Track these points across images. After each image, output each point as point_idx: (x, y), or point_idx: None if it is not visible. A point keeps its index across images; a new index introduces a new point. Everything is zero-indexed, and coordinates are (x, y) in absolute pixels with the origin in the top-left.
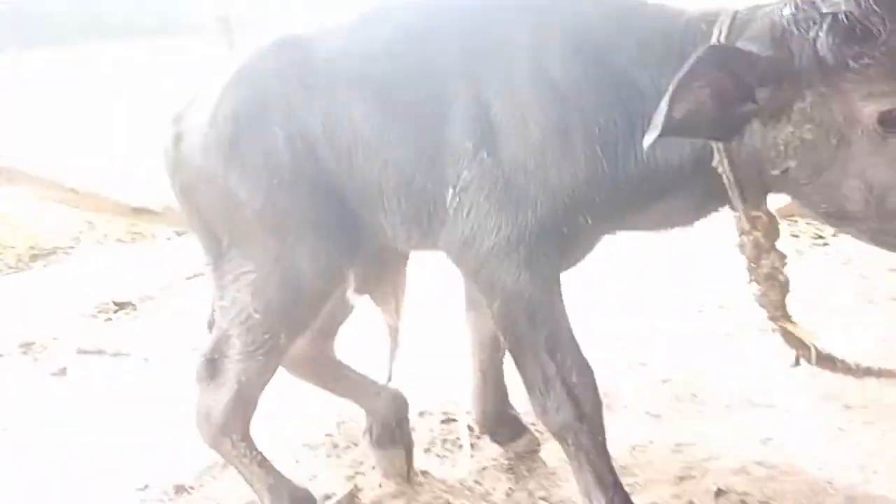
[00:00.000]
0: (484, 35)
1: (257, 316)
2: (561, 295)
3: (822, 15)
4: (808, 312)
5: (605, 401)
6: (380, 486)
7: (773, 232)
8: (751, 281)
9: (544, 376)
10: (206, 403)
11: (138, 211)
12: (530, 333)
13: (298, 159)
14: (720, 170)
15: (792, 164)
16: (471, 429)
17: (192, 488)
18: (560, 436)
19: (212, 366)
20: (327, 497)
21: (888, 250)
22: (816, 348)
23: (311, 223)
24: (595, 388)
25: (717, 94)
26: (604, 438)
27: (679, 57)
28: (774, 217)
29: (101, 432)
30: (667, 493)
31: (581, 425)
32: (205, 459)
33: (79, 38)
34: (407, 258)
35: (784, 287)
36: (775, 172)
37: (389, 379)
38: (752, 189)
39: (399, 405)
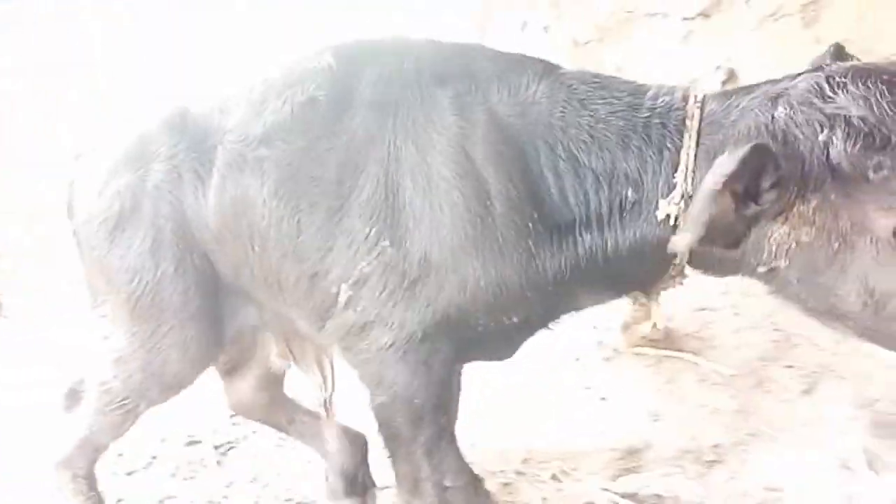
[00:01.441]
0: (410, 114)
1: (117, 383)
2: (451, 395)
3: (830, 118)
4: None
5: None
6: None
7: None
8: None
9: (416, 477)
10: (61, 432)
11: None
12: (410, 434)
13: (184, 251)
14: (678, 259)
15: (782, 264)
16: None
17: None
18: None
19: (72, 398)
20: None
21: (877, 345)
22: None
23: (187, 314)
24: (467, 493)
25: (736, 198)
26: None
27: (637, 155)
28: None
29: None
30: None
31: None
32: None
33: None
34: None
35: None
36: (762, 269)
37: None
38: (715, 270)
39: (360, 453)
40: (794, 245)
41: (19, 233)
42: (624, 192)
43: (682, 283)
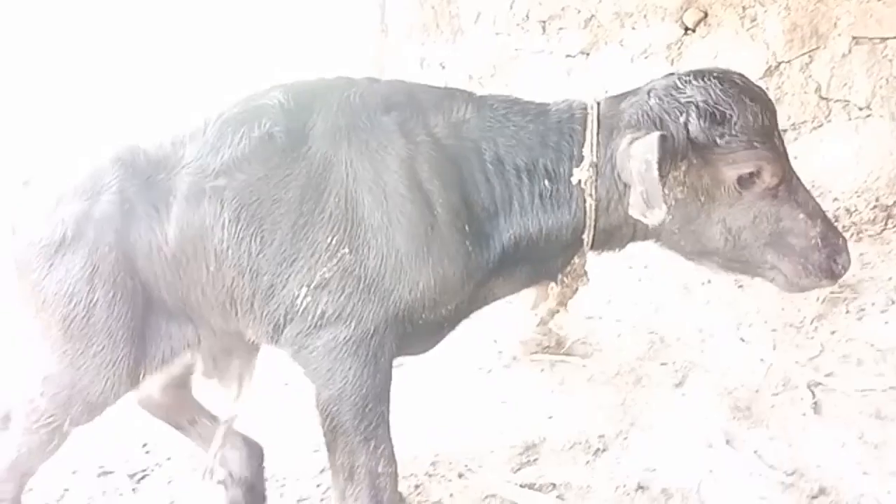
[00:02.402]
0: (362, 139)
1: (44, 401)
2: (390, 386)
3: (685, 104)
4: None
5: None
6: None
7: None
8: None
9: (352, 465)
10: None
11: None
12: (352, 424)
13: (124, 276)
14: (587, 228)
15: (667, 217)
16: None
17: None
18: None
19: (4, 423)
20: None
21: (734, 274)
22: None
23: (119, 337)
24: (395, 480)
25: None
26: None
27: (554, 148)
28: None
29: None
30: None
31: None
32: None
33: None
34: (257, 349)
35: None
36: (651, 227)
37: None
38: (612, 241)
39: (255, 462)
40: (672, 203)
41: None
42: (542, 183)
43: (587, 282)
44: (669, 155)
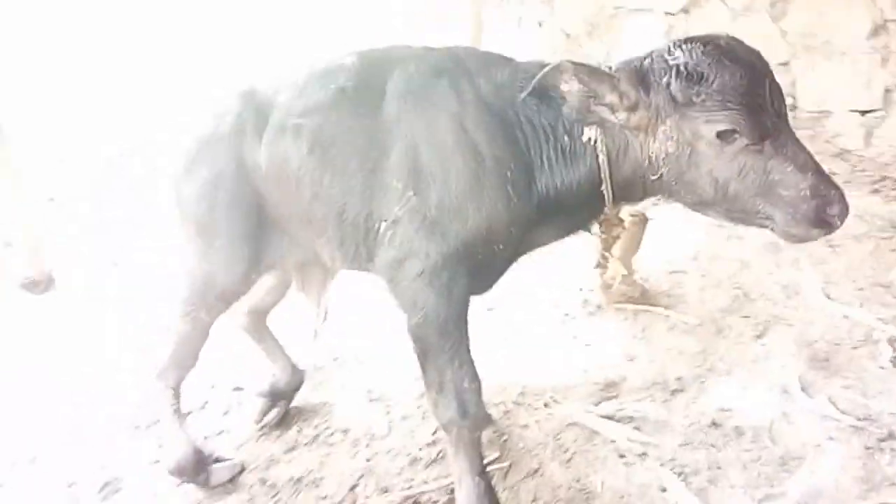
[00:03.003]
0: (419, 100)
1: (185, 293)
2: (467, 314)
3: (670, 66)
4: None
5: None
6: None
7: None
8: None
9: (441, 380)
10: (160, 351)
11: None
12: (438, 344)
13: (240, 184)
14: (604, 181)
15: (664, 170)
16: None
17: None
18: (446, 428)
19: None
20: (217, 460)
21: (738, 224)
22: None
23: (235, 236)
24: (480, 394)
25: (587, 95)
26: (479, 435)
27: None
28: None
29: None
30: None
31: (463, 422)
32: None
33: None
34: (332, 274)
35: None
36: (654, 178)
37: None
38: (629, 194)
39: (295, 378)
40: (664, 156)
41: (73, 207)
42: (563, 140)
43: (619, 236)
44: (627, 89)
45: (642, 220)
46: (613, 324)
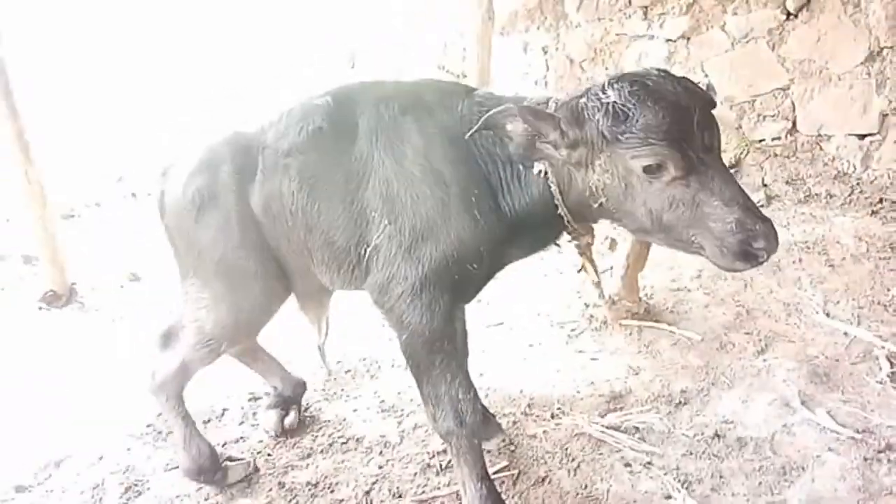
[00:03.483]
0: (387, 136)
1: (207, 328)
2: (454, 329)
3: (602, 104)
4: None
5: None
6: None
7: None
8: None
9: (436, 394)
10: (155, 365)
11: None
12: (428, 360)
13: (245, 228)
14: (558, 205)
15: (603, 199)
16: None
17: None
18: (445, 438)
19: (166, 340)
20: (230, 459)
21: (679, 251)
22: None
23: (252, 274)
24: (475, 403)
25: (531, 133)
26: (479, 442)
27: None
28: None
29: None
30: None
31: (461, 431)
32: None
33: None
34: (329, 294)
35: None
36: (595, 206)
37: (329, 373)
38: (582, 217)
39: (297, 386)
40: (603, 187)
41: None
42: (518, 168)
43: (591, 242)
44: (567, 130)
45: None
46: (619, 339)
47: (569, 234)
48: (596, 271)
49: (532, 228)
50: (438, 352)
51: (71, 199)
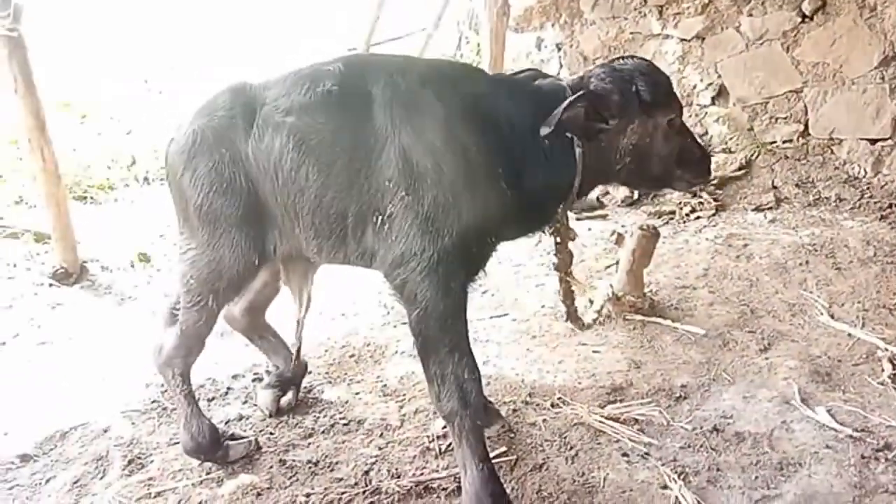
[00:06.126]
0: (405, 106)
1: (192, 282)
2: (466, 306)
3: (631, 77)
4: None
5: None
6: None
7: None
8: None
9: (442, 372)
10: (161, 341)
11: None
12: (437, 337)
13: (233, 174)
14: (577, 174)
15: (628, 159)
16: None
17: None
18: (448, 419)
19: (171, 314)
20: (232, 437)
21: (653, 190)
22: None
23: (235, 223)
24: (480, 385)
25: (587, 114)
26: (482, 423)
27: (545, 110)
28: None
29: None
30: None
31: (465, 412)
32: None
33: None
34: (314, 268)
35: (569, 258)
36: (618, 167)
37: (297, 358)
38: (590, 184)
39: (299, 366)
40: (631, 147)
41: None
42: (542, 142)
43: (575, 236)
44: (612, 109)
45: (654, 235)
46: (622, 333)
47: (554, 230)
48: (573, 300)
49: (540, 205)
50: (450, 330)
51: (84, 179)
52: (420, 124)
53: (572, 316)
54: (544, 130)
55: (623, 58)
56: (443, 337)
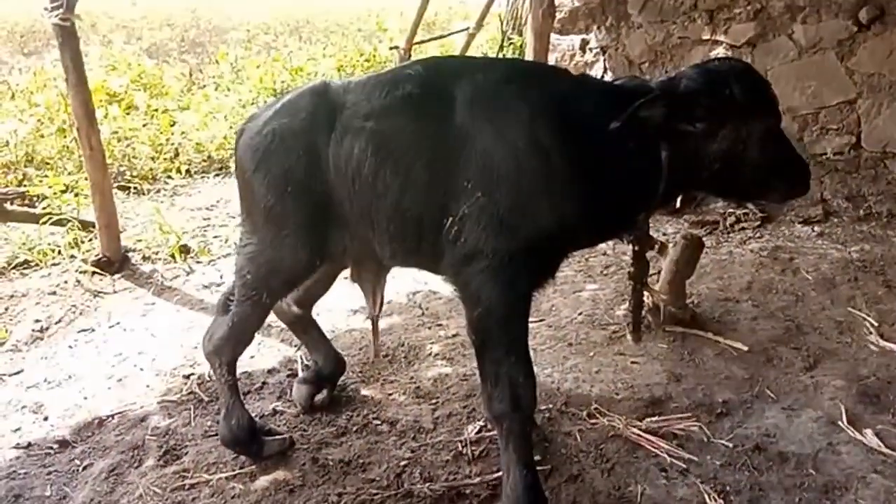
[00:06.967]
0: (485, 106)
1: (249, 277)
2: (528, 311)
3: (726, 79)
4: None
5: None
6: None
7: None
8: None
9: (496, 372)
10: (213, 329)
11: None
12: (498, 338)
13: (309, 177)
14: (662, 180)
15: (717, 165)
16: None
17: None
18: (497, 420)
19: (225, 304)
20: (269, 433)
21: (741, 202)
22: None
23: (302, 226)
24: (534, 390)
25: (669, 114)
26: (530, 429)
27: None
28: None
29: None
30: None
31: (515, 415)
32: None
33: None
34: (387, 270)
35: (646, 267)
36: (707, 174)
37: (376, 355)
38: (676, 191)
39: (337, 366)
40: (722, 152)
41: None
42: (626, 143)
43: (652, 247)
44: (700, 110)
45: (698, 245)
46: (662, 344)
47: (635, 238)
48: (641, 310)
49: (620, 211)
50: (510, 332)
51: (129, 169)
52: (502, 123)
53: (636, 328)
54: (614, 125)
55: (720, 59)
56: (502, 337)
